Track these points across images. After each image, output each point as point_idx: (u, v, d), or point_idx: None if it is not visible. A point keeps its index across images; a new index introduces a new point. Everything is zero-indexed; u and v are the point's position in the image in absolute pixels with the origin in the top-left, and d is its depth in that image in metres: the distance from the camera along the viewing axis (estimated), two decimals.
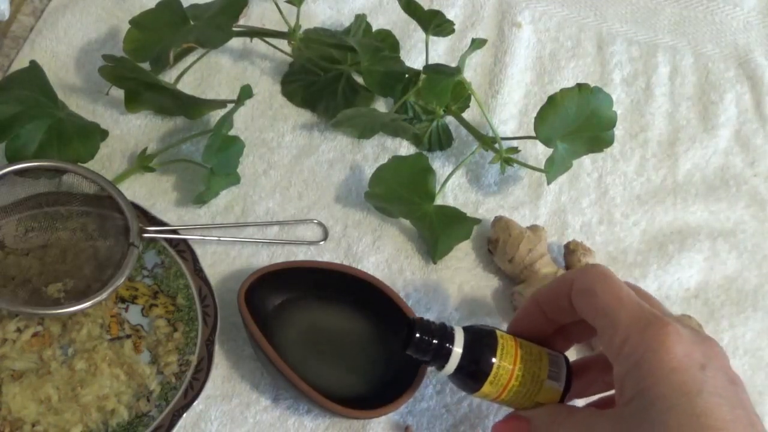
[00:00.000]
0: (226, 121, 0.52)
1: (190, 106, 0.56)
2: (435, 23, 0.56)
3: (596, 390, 0.43)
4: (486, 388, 0.40)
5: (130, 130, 0.58)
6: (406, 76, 0.58)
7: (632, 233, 0.59)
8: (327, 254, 0.55)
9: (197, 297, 0.49)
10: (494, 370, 0.40)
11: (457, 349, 0.40)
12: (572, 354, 0.49)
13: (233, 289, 0.48)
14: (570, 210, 0.59)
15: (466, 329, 0.42)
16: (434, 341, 0.41)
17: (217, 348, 0.48)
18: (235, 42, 0.63)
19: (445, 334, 0.41)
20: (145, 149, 0.55)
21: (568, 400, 0.41)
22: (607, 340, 0.37)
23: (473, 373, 0.40)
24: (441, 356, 0.41)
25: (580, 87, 0.52)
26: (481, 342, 0.41)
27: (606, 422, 0.36)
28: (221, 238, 0.53)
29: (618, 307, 0.36)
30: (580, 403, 0.43)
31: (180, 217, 0.55)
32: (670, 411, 0.33)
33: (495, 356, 0.40)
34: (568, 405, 0.40)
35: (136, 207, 0.51)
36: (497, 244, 0.53)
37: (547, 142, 0.53)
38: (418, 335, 0.41)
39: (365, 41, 0.58)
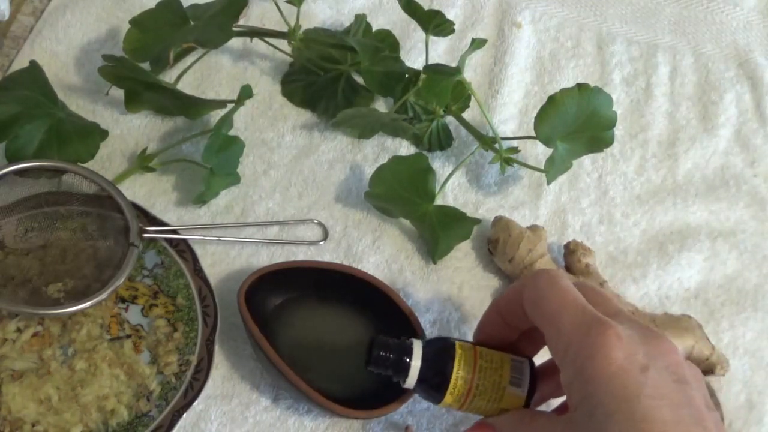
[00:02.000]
0: (226, 121, 0.52)
1: (190, 106, 0.56)
2: (435, 23, 0.56)
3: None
4: (448, 398, 0.41)
5: (130, 130, 0.58)
6: (406, 76, 0.58)
7: (632, 233, 0.59)
8: (327, 254, 0.55)
9: (197, 297, 0.49)
10: (452, 381, 0.41)
11: (416, 363, 0.41)
12: None
13: (233, 289, 0.48)
14: (570, 210, 0.59)
15: (427, 342, 0.43)
16: (391, 356, 0.41)
17: (217, 348, 0.48)
18: (235, 42, 0.63)
19: (402, 348, 0.42)
20: (145, 149, 0.55)
21: (538, 403, 0.42)
22: (553, 347, 0.37)
23: (434, 385, 0.41)
24: (401, 370, 0.42)
25: (580, 87, 0.52)
26: (439, 354, 0.41)
27: (560, 428, 0.36)
28: (221, 238, 0.53)
29: (562, 312, 0.36)
30: (555, 403, 0.43)
31: (180, 217, 0.55)
32: (611, 418, 0.32)
33: (453, 367, 0.41)
34: (531, 410, 0.40)
35: (136, 207, 0.51)
36: (497, 244, 0.53)
37: (547, 142, 0.53)
38: (376, 352, 0.42)
39: (365, 41, 0.58)
